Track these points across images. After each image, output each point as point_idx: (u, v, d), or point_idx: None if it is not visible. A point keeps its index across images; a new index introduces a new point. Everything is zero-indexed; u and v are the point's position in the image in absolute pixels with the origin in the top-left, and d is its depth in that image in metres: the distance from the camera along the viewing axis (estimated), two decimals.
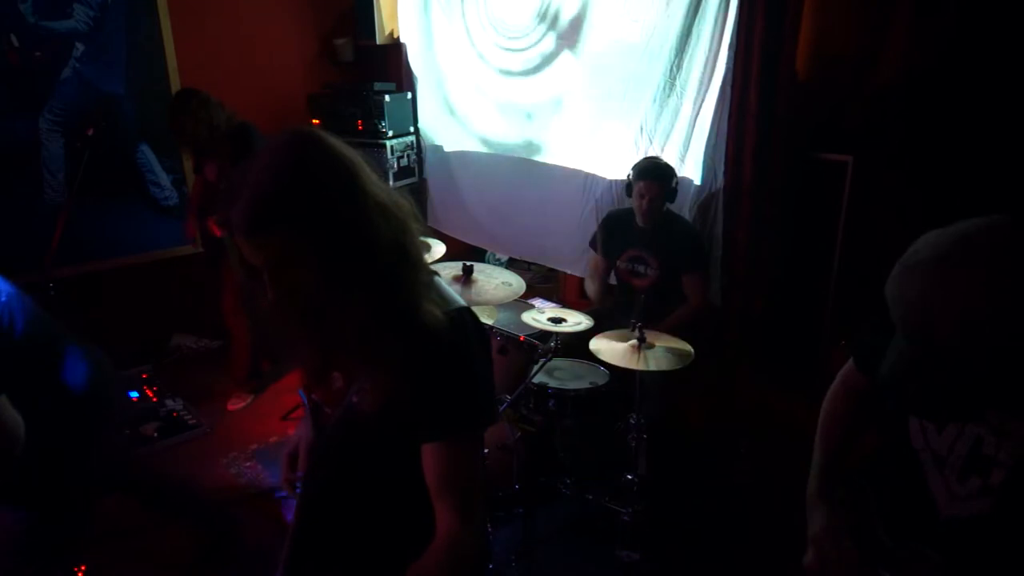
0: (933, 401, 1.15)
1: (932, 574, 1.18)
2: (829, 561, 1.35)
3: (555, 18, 3.65)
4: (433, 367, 1.14)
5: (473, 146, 4.33)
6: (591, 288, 3.28)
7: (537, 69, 3.83)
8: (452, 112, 4.41)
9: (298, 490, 1.40)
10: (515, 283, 2.53)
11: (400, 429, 1.17)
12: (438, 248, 3.08)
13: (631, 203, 3.09)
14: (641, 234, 3.08)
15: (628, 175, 3.07)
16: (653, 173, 2.98)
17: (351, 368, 1.25)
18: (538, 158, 3.97)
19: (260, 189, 1.06)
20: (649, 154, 3.28)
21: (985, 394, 1.05)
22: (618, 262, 3.21)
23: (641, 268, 3.13)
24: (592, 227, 3.45)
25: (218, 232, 3.41)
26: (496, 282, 2.52)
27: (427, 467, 1.16)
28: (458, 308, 1.21)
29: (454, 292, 1.27)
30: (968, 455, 1.13)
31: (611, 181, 3.56)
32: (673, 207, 3.15)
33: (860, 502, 1.39)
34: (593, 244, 3.27)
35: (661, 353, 2.53)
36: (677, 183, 3.04)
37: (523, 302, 3.18)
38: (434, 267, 2.60)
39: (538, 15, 3.72)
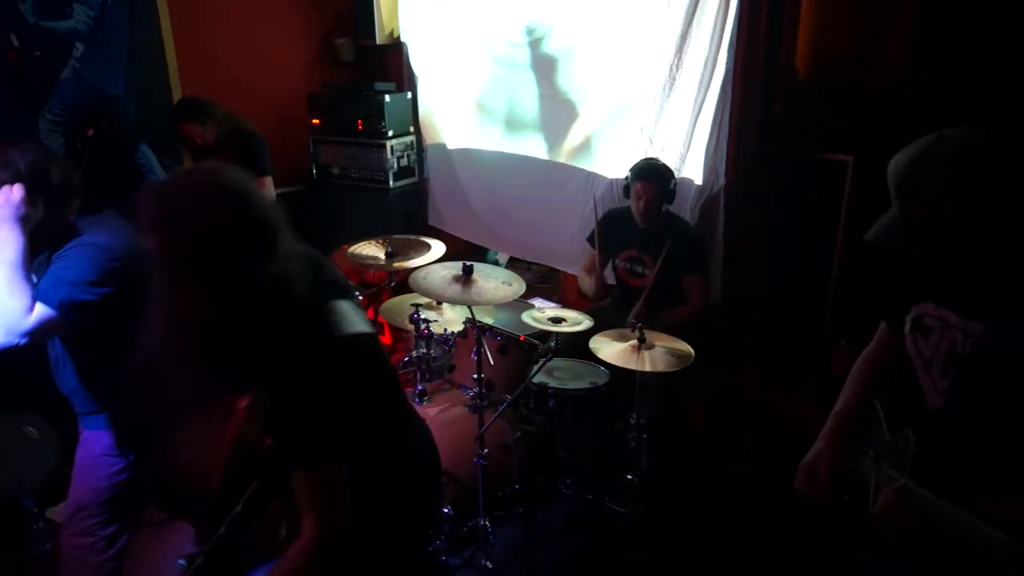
0: (912, 248, 1.39)
1: (909, 449, 1.45)
2: (800, 486, 1.63)
3: (555, 19, 3.65)
4: (304, 397, 1.22)
5: (476, 144, 4.33)
6: (586, 283, 3.27)
7: (538, 69, 3.83)
8: (454, 110, 4.41)
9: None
10: (515, 283, 2.53)
11: (280, 457, 1.27)
12: (438, 248, 3.08)
13: (630, 203, 3.09)
14: (640, 234, 3.08)
15: (627, 176, 3.07)
16: (650, 174, 2.98)
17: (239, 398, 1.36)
18: (540, 157, 3.97)
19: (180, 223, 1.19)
20: (649, 154, 3.28)
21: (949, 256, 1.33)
22: (616, 261, 3.20)
23: (639, 268, 3.13)
24: (593, 226, 3.46)
25: None
26: (496, 282, 2.52)
27: (295, 486, 1.26)
28: (351, 335, 1.29)
29: (359, 316, 1.35)
30: (947, 355, 1.40)
31: (611, 180, 3.56)
32: (673, 207, 3.16)
33: (866, 420, 1.64)
34: (591, 240, 3.27)
35: (661, 353, 2.53)
36: (676, 184, 3.03)
37: (523, 302, 3.18)
38: (435, 267, 2.61)
39: (539, 17, 3.72)
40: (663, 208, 3.04)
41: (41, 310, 1.82)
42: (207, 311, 1.19)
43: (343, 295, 1.38)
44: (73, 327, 1.86)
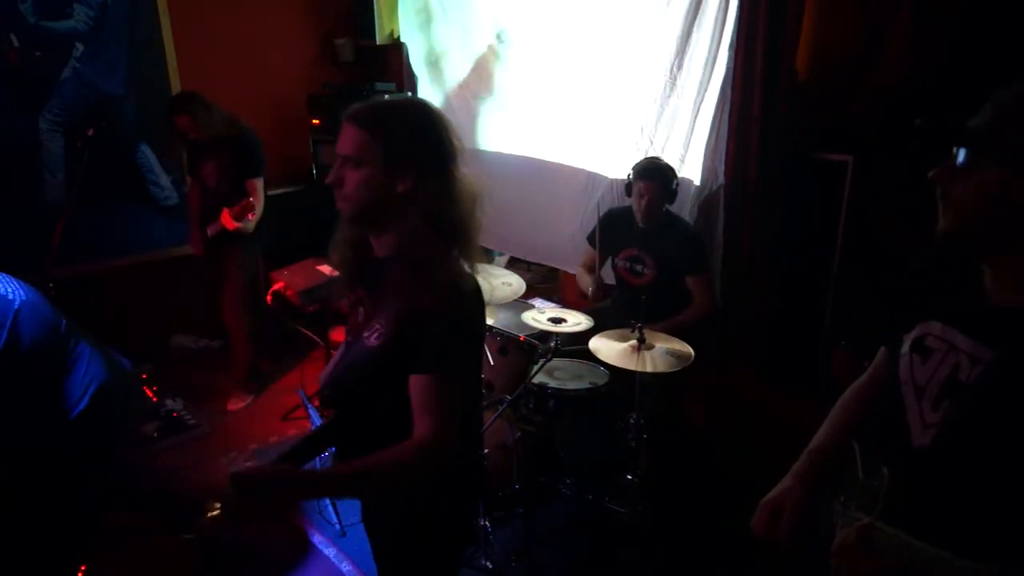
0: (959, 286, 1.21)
1: (881, 488, 1.22)
2: (758, 527, 1.45)
3: (555, 19, 3.66)
4: (449, 314, 1.34)
5: (476, 144, 4.33)
6: (584, 281, 3.27)
7: (538, 69, 3.83)
8: (454, 111, 4.41)
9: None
10: (515, 283, 2.54)
11: (399, 360, 1.35)
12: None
13: (632, 202, 3.09)
14: (640, 234, 3.08)
15: (628, 175, 3.07)
16: (652, 173, 2.98)
17: (376, 306, 1.45)
18: (540, 157, 3.97)
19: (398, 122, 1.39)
20: (650, 154, 3.28)
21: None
22: (616, 260, 3.20)
23: (639, 268, 3.12)
24: (593, 226, 3.46)
25: (231, 226, 3.40)
26: (496, 282, 2.52)
27: (413, 393, 1.34)
28: (479, 289, 1.46)
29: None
30: (945, 382, 1.19)
31: (612, 180, 3.56)
32: (673, 207, 3.16)
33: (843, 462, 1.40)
34: (591, 239, 3.27)
35: (661, 354, 2.53)
36: (677, 184, 3.03)
37: (523, 302, 3.18)
38: None
39: (539, 17, 3.72)
40: (664, 208, 3.04)
41: None
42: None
43: None
44: None
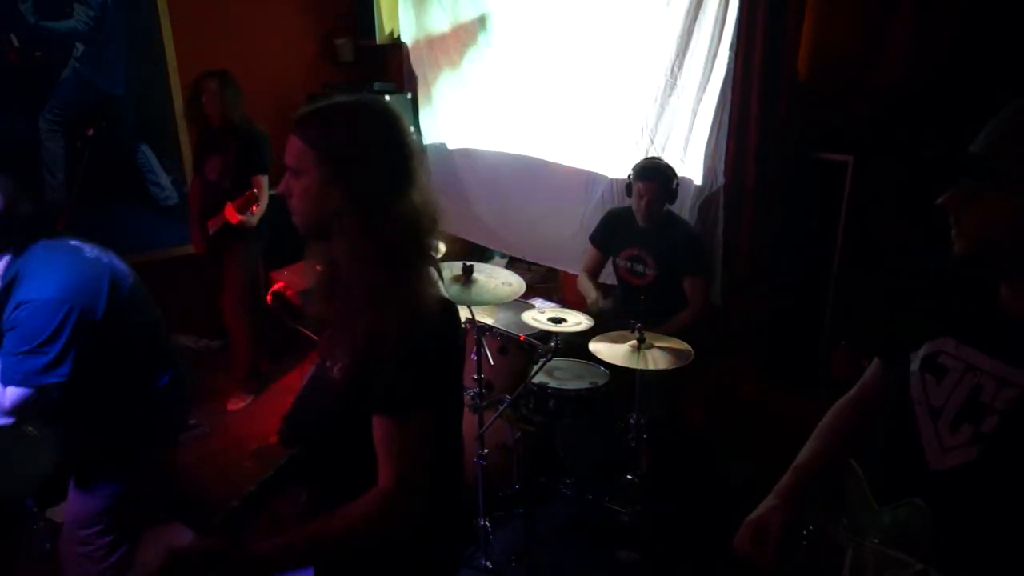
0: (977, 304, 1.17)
1: (921, 524, 1.18)
2: (742, 547, 1.39)
3: (556, 19, 3.66)
4: (407, 346, 1.23)
5: (476, 144, 4.33)
6: (584, 285, 3.28)
7: (538, 69, 3.83)
8: (454, 110, 4.41)
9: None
10: (515, 283, 2.54)
11: (360, 397, 1.25)
12: (439, 247, 3.07)
13: (632, 202, 3.10)
14: (641, 234, 3.08)
15: (629, 175, 3.07)
16: (652, 174, 2.98)
17: (336, 333, 1.34)
18: (541, 157, 3.97)
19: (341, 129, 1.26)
20: (650, 154, 3.28)
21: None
22: (617, 260, 3.20)
23: (640, 268, 3.13)
24: (594, 226, 3.46)
25: (235, 220, 3.40)
26: (496, 282, 2.52)
27: (375, 436, 1.24)
28: (446, 300, 1.32)
29: (444, 290, 1.36)
30: (965, 402, 1.14)
31: (612, 180, 3.56)
32: (674, 207, 3.16)
33: (839, 481, 1.38)
34: (594, 239, 3.27)
35: (661, 353, 2.53)
36: (678, 184, 3.04)
37: (523, 302, 3.18)
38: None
39: (539, 17, 3.72)
40: (664, 208, 3.04)
41: (14, 391, 1.76)
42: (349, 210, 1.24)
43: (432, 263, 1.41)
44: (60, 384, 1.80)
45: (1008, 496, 1.10)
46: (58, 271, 1.80)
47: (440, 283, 1.35)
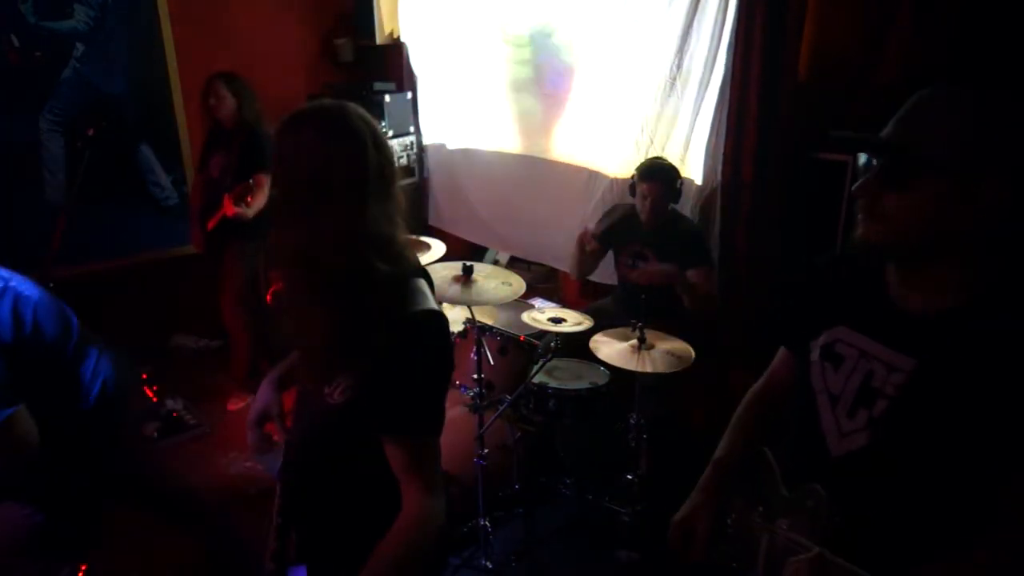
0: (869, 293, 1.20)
1: (816, 504, 1.21)
2: (675, 545, 1.42)
3: (556, 19, 3.66)
4: (409, 368, 1.21)
5: (476, 144, 4.33)
6: (571, 263, 3.27)
7: (538, 69, 3.83)
8: (454, 110, 4.41)
9: (273, 470, 1.51)
10: (515, 283, 2.54)
11: (365, 419, 1.24)
12: (438, 248, 3.08)
13: (636, 202, 3.09)
14: (644, 232, 3.08)
15: (632, 175, 3.07)
16: (656, 174, 2.98)
17: (332, 360, 1.29)
18: (541, 156, 3.97)
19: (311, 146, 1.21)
20: (651, 154, 3.28)
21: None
22: (619, 258, 3.20)
23: (642, 264, 3.13)
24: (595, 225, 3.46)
25: (231, 211, 3.39)
26: (496, 282, 2.52)
27: (390, 455, 1.23)
28: (437, 312, 1.27)
29: (431, 297, 1.33)
30: (859, 389, 1.18)
31: (612, 179, 3.56)
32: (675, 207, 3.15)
33: (758, 468, 1.42)
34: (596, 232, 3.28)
35: (661, 354, 2.53)
36: (681, 183, 3.03)
37: (523, 302, 3.18)
38: (435, 267, 2.61)
39: (539, 17, 3.72)
40: (669, 207, 3.04)
41: None
42: (312, 247, 1.20)
43: (423, 276, 1.36)
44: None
45: (898, 478, 1.13)
46: None
47: (430, 297, 1.31)
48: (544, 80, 3.82)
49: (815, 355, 1.28)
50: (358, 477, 1.32)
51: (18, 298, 1.80)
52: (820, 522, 1.19)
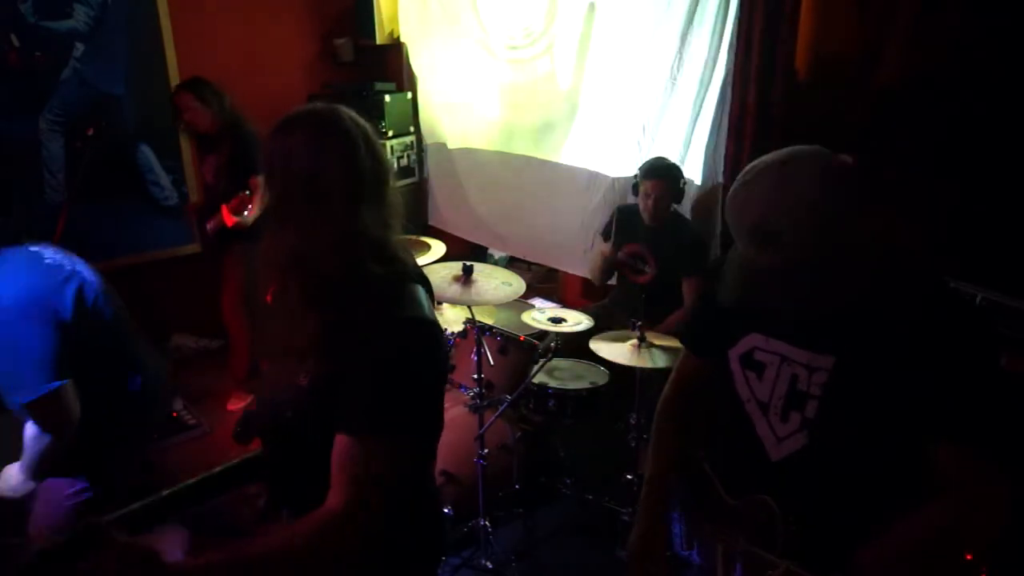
0: (776, 300, 1.17)
1: (769, 517, 1.23)
2: (632, 566, 1.42)
3: (556, 19, 3.66)
4: (384, 362, 1.17)
5: (476, 144, 4.33)
6: (593, 271, 3.31)
7: (538, 69, 3.83)
8: (454, 110, 4.41)
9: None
10: (515, 283, 2.53)
11: (326, 409, 1.20)
12: (438, 248, 3.07)
13: (639, 201, 3.09)
14: (646, 232, 3.08)
15: (636, 174, 3.07)
16: (659, 172, 2.98)
17: (305, 347, 1.26)
18: (541, 156, 3.97)
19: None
20: (652, 154, 3.28)
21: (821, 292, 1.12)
22: (619, 255, 3.21)
23: (641, 265, 3.13)
24: (595, 226, 3.45)
25: (230, 222, 3.38)
26: (496, 282, 2.52)
27: (334, 449, 1.17)
28: (428, 320, 1.25)
29: (428, 304, 1.31)
30: (787, 394, 1.22)
31: (613, 179, 3.56)
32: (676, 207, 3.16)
33: (695, 479, 1.43)
34: (605, 234, 3.28)
35: (661, 352, 2.53)
36: (685, 183, 3.03)
37: (523, 302, 3.18)
38: (435, 267, 2.61)
39: (539, 17, 3.72)
40: (672, 208, 3.04)
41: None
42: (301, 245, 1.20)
43: (421, 281, 1.34)
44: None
45: (841, 471, 1.19)
46: (10, 280, 1.81)
47: (425, 304, 1.28)
48: (543, 80, 3.81)
49: (735, 364, 1.30)
50: (318, 461, 1.25)
51: (83, 283, 1.94)
52: (777, 534, 1.21)
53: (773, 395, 1.24)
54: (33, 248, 1.95)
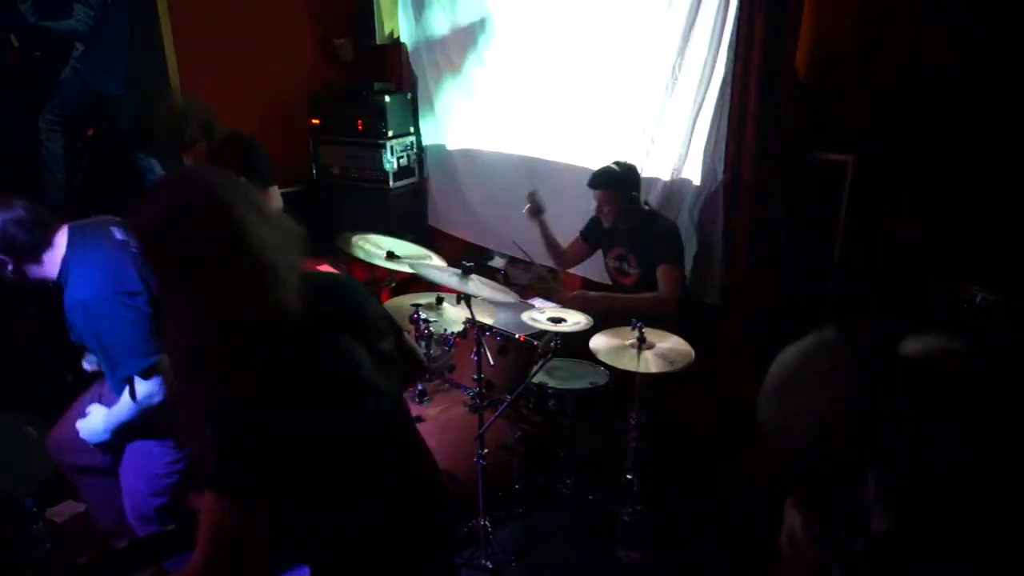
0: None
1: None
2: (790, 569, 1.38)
3: (556, 19, 3.65)
4: (237, 421, 1.19)
5: (476, 144, 4.33)
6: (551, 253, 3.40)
7: (538, 69, 3.83)
8: (454, 110, 4.41)
9: None
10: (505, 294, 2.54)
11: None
12: (436, 260, 3.08)
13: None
14: (623, 233, 3.11)
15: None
16: (601, 182, 3.01)
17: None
18: (541, 157, 3.97)
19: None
20: (652, 154, 3.29)
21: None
22: (607, 260, 3.23)
23: (625, 267, 3.15)
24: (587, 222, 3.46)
25: None
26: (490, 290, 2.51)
27: (202, 502, 1.20)
28: (329, 370, 1.27)
29: (364, 360, 1.32)
30: None
31: None
32: (672, 207, 3.16)
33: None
34: (583, 233, 3.35)
35: (661, 354, 2.53)
36: (636, 183, 3.04)
37: (523, 302, 3.18)
38: (431, 271, 2.59)
39: (539, 17, 3.72)
40: (638, 207, 3.05)
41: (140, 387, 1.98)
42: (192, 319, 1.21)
43: (357, 334, 1.33)
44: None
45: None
46: (90, 265, 2.00)
47: (317, 352, 1.28)
48: (543, 80, 3.81)
49: None
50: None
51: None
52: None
53: None
54: (104, 225, 2.16)
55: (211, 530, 1.18)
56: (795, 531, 1.37)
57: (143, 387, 1.98)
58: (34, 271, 1.98)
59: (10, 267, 1.94)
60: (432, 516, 1.51)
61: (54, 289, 2.02)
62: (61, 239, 2.03)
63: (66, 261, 2.00)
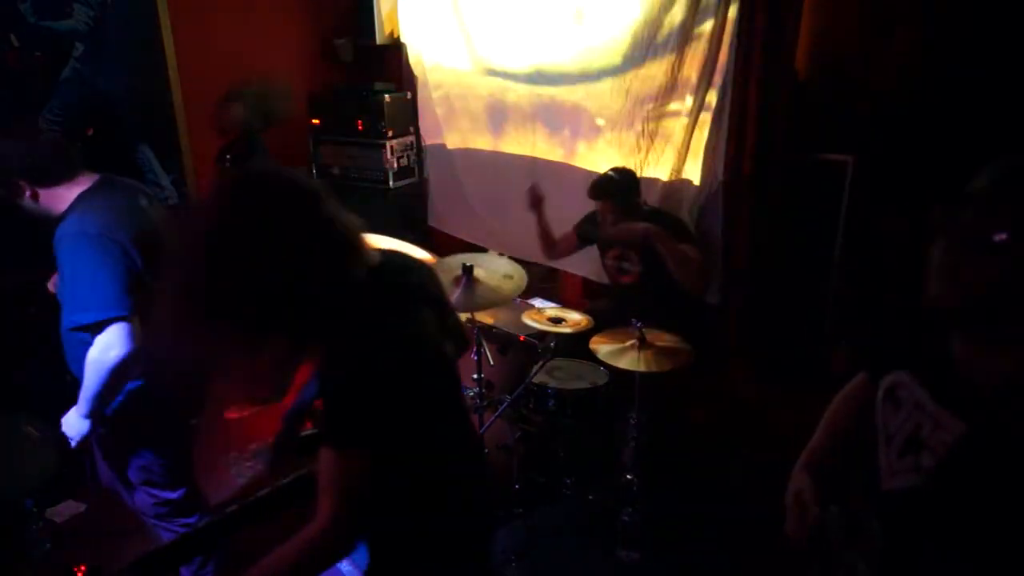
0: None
1: (871, 542, 1.27)
2: (792, 524, 1.46)
3: (556, 19, 3.65)
4: (348, 382, 1.23)
5: (476, 144, 4.33)
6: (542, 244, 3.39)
7: (538, 68, 3.83)
8: (454, 111, 4.41)
9: None
10: (516, 275, 2.53)
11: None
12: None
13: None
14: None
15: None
16: (601, 192, 2.98)
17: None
18: (541, 157, 3.97)
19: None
20: (651, 154, 3.29)
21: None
22: (605, 260, 3.22)
23: (625, 265, 3.14)
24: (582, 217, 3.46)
25: None
26: (497, 277, 2.52)
27: (320, 464, 1.24)
28: (406, 335, 1.30)
29: (436, 329, 1.39)
30: (908, 438, 1.23)
31: None
32: (672, 207, 3.16)
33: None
34: (577, 228, 3.35)
35: (661, 353, 2.53)
36: (638, 186, 3.03)
37: (523, 302, 3.18)
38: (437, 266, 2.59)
39: (539, 17, 3.72)
40: (639, 209, 3.03)
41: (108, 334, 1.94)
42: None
43: (431, 305, 1.41)
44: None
45: (941, 526, 1.18)
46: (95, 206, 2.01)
47: (413, 319, 1.34)
48: (542, 80, 3.81)
49: (880, 393, 1.33)
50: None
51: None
52: (876, 554, 1.26)
53: (898, 433, 1.26)
54: (134, 188, 2.21)
55: (336, 486, 1.22)
56: (801, 491, 1.45)
57: (101, 340, 1.94)
58: (48, 200, 2.05)
59: (28, 193, 2.03)
60: (485, 489, 1.62)
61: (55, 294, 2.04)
62: (85, 180, 2.07)
63: (79, 198, 2.04)
